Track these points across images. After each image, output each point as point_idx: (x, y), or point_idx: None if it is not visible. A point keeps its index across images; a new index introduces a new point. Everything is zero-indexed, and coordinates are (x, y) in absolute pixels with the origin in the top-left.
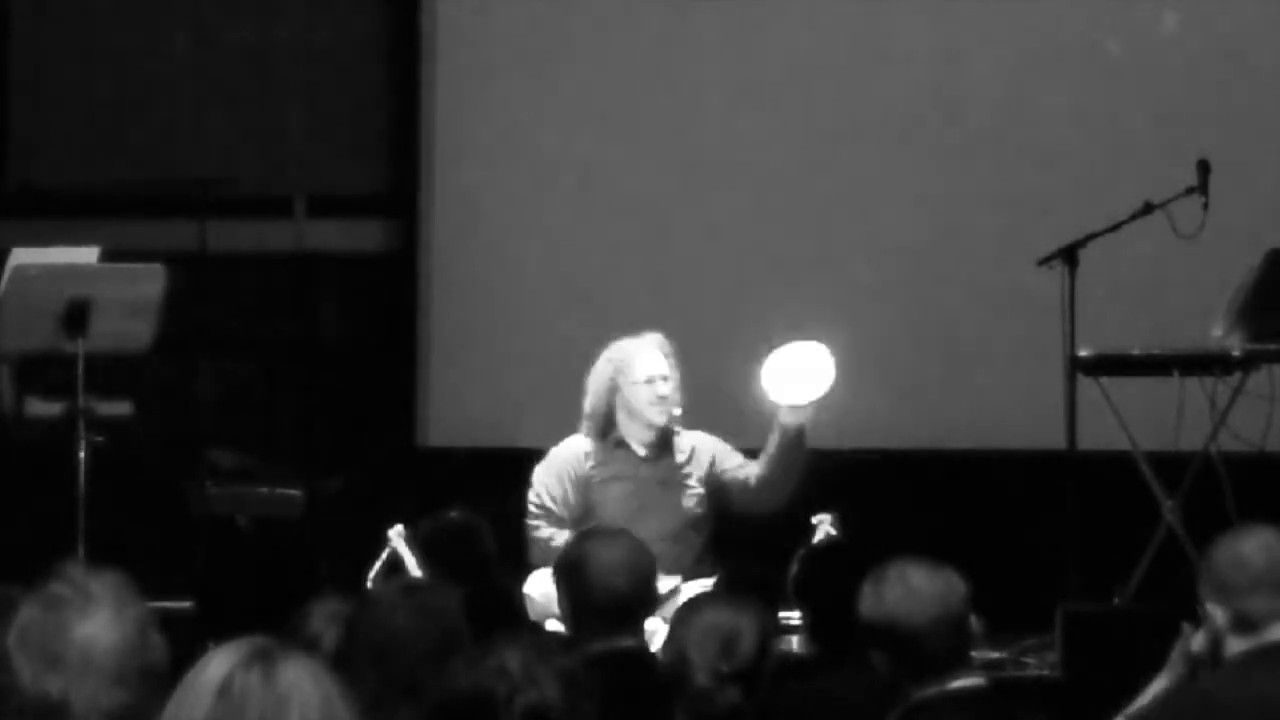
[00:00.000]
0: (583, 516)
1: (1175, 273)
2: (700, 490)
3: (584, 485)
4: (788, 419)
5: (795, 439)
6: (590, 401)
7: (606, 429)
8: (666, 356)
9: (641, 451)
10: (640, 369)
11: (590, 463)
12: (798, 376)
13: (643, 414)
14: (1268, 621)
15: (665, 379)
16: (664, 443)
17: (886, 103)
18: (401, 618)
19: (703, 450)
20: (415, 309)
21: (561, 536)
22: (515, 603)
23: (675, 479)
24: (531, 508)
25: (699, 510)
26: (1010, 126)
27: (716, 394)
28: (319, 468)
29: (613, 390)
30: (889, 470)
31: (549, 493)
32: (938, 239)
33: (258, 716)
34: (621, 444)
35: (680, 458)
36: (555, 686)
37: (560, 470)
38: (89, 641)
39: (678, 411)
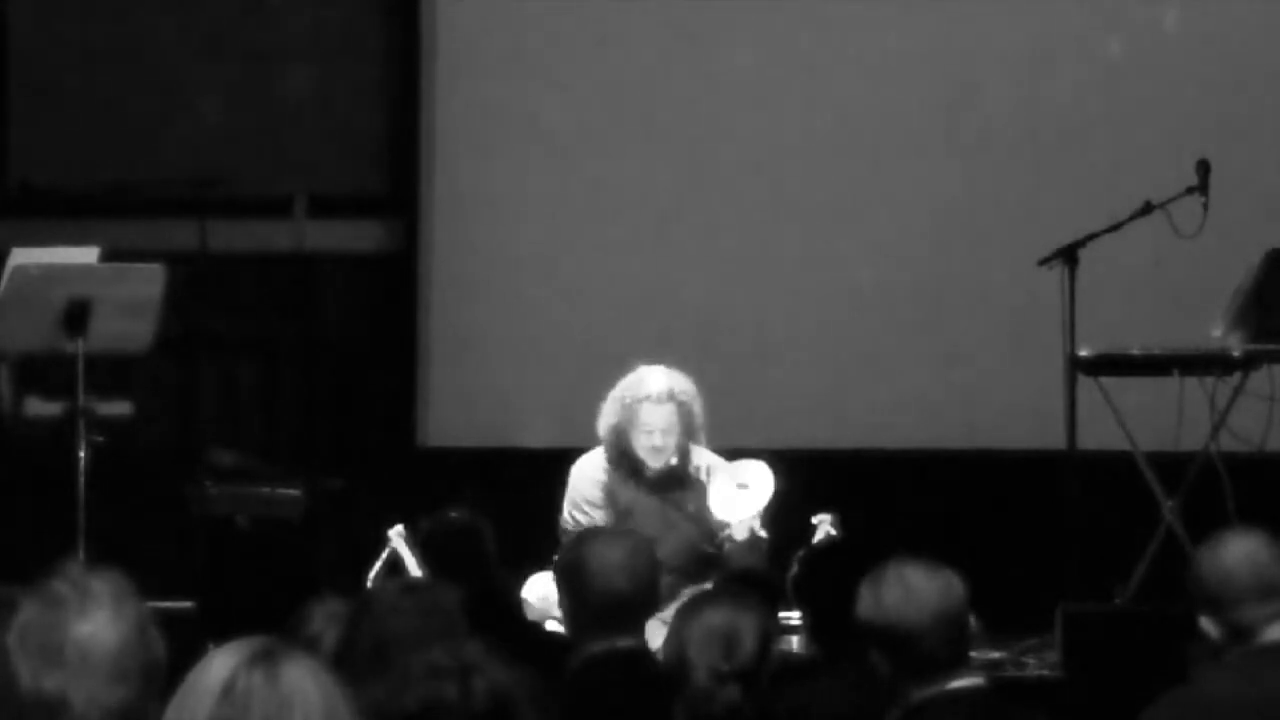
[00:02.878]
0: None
1: (1175, 273)
2: (703, 521)
3: (609, 497)
4: (738, 533)
5: (747, 546)
6: (603, 434)
7: (622, 457)
8: (672, 399)
9: (652, 478)
10: (642, 418)
11: (606, 481)
12: (742, 493)
13: (641, 459)
14: (1261, 627)
15: (663, 432)
16: (675, 471)
17: (887, 103)
18: (401, 618)
19: (708, 479)
20: (415, 309)
21: None
22: (515, 603)
23: (678, 514)
24: (566, 526)
25: (703, 543)
26: (1011, 127)
27: (714, 393)
28: (319, 468)
29: (620, 430)
30: (889, 470)
31: (582, 512)
32: (938, 239)
33: (261, 717)
34: (634, 472)
35: (690, 488)
36: (503, 671)
37: (587, 490)
38: (88, 640)
39: (674, 460)
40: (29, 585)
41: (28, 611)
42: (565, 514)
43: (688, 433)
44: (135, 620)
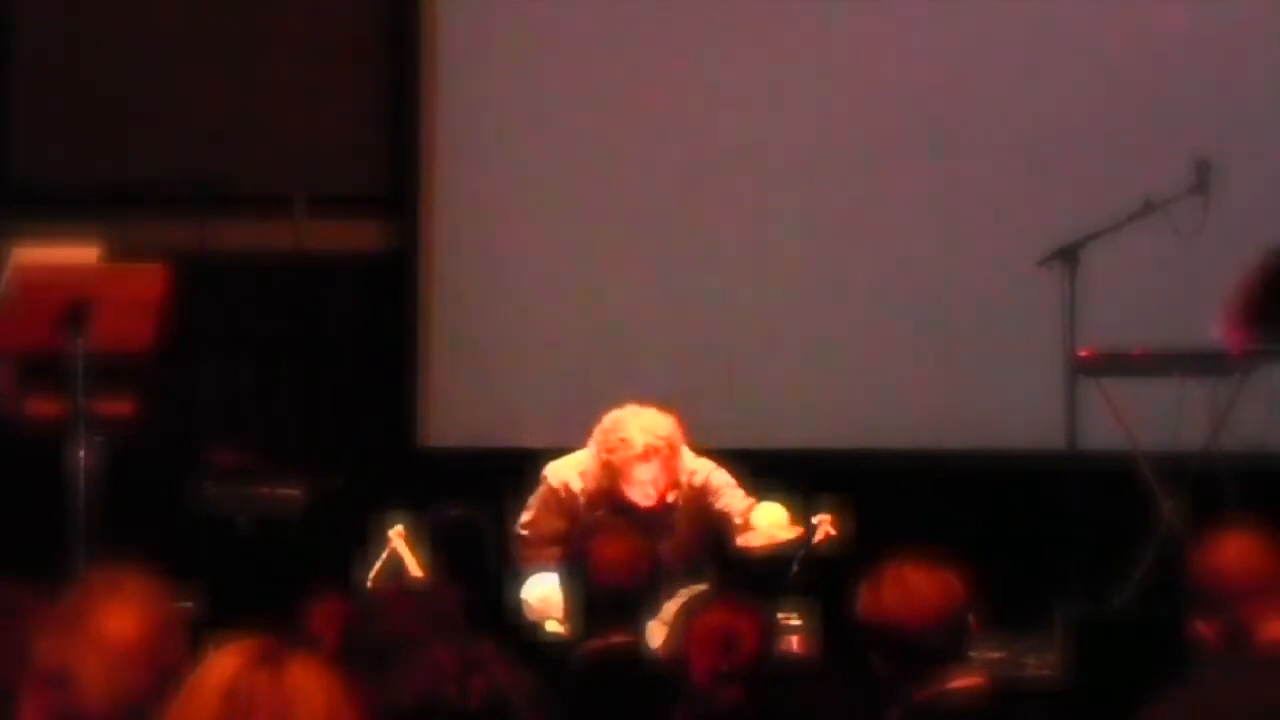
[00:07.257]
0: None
1: (1175, 273)
2: (695, 535)
3: (575, 514)
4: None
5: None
6: (592, 493)
7: (608, 498)
8: (658, 454)
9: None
10: (634, 476)
11: (584, 500)
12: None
13: (634, 501)
14: (1259, 627)
15: (655, 483)
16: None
17: (886, 103)
18: (401, 618)
19: (700, 487)
20: (415, 309)
21: (547, 553)
22: (513, 602)
23: (668, 533)
24: (522, 530)
25: (694, 558)
26: (1010, 126)
27: (713, 393)
28: (319, 467)
29: (609, 489)
30: (889, 470)
31: (536, 522)
32: (937, 239)
33: (265, 718)
34: (622, 507)
35: (679, 503)
36: (503, 670)
37: (555, 505)
38: (107, 624)
39: (671, 498)
40: (28, 584)
41: (62, 600)
42: (529, 518)
43: (678, 469)
44: (161, 620)
